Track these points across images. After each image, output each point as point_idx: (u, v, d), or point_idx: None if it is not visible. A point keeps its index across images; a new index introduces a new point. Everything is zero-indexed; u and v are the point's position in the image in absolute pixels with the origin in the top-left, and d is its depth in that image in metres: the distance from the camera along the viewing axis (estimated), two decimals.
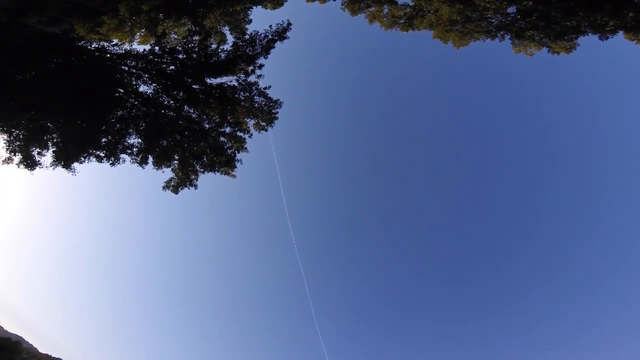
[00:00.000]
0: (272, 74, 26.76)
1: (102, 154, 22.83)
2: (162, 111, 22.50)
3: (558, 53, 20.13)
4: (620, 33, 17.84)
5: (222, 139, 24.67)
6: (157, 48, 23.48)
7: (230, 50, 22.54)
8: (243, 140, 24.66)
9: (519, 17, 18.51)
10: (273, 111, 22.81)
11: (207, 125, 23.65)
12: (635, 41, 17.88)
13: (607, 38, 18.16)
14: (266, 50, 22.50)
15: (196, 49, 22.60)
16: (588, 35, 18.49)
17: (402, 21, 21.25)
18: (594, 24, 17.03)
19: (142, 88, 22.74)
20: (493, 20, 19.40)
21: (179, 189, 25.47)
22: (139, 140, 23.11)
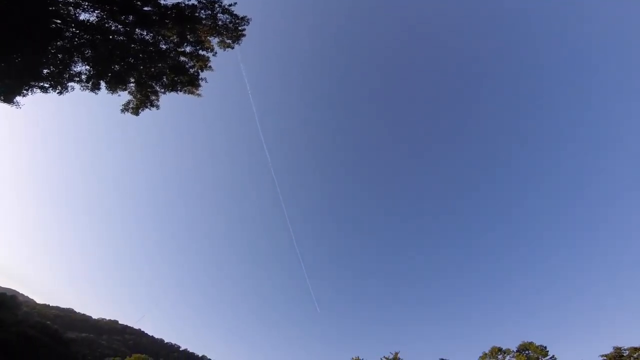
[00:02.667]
0: None
1: (46, 85, 20.92)
2: (111, 37, 19.58)
3: None
4: None
5: (182, 58, 23.28)
6: None
7: None
8: (206, 59, 23.60)
9: None
10: (239, 28, 21.44)
11: (164, 47, 21.53)
12: None
13: None
14: None
15: None
16: None
17: None
18: None
19: (84, 16, 19.15)
20: None
21: (139, 111, 25.25)
22: (87, 67, 21.11)
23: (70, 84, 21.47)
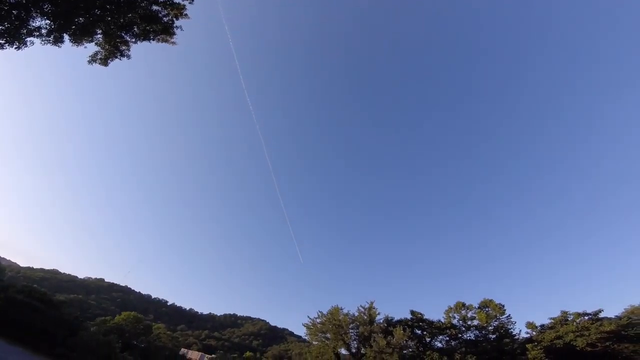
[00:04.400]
0: None
1: (2, 41, 18.83)
2: None
3: None
4: None
5: (155, 7, 21.04)
6: None
7: None
8: (182, 7, 21.45)
9: None
10: None
11: None
12: None
13: None
14: None
15: None
16: None
17: None
18: None
19: None
20: None
21: (109, 61, 23.91)
22: (48, 21, 18.91)
23: (29, 39, 19.24)
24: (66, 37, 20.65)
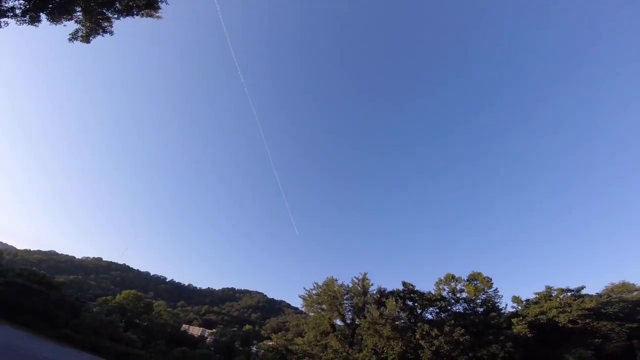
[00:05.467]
0: None
1: None
2: None
3: None
4: None
5: None
6: None
7: None
8: None
9: None
10: None
11: None
12: None
13: None
14: None
15: None
16: None
17: None
18: None
19: None
20: None
21: (90, 38, 22.90)
22: (22, 1, 17.82)
23: (3, 19, 18.09)
24: (43, 16, 19.43)
